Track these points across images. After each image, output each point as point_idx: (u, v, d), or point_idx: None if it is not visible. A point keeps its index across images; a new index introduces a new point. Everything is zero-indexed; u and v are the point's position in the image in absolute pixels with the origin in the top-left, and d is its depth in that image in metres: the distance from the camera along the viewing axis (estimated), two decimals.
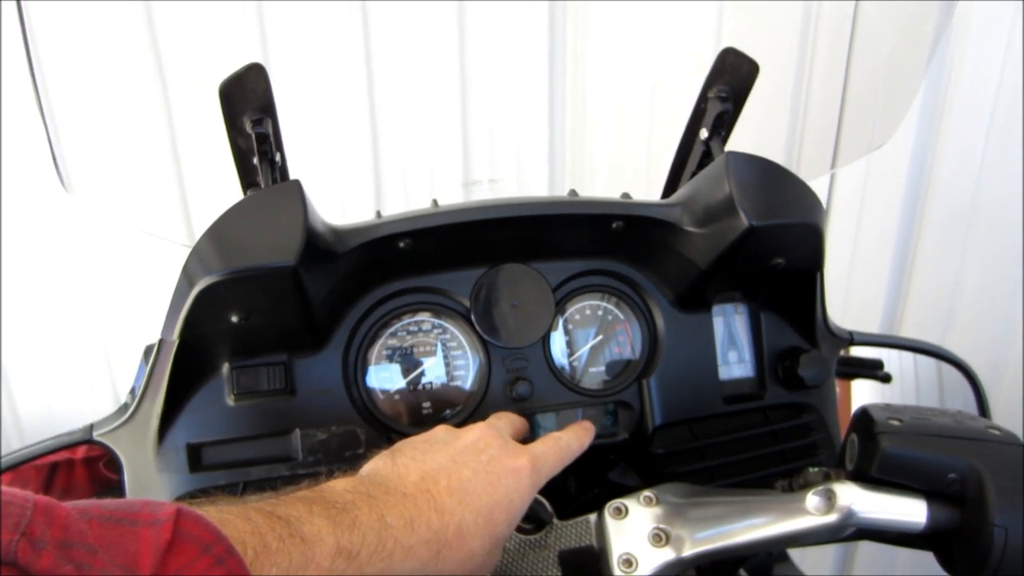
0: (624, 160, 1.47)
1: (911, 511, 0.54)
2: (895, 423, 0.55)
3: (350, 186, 1.34)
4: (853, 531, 0.58)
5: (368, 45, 1.32)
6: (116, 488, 0.73)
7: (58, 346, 1.79)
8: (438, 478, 0.54)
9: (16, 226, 1.48)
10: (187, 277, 0.62)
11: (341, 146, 1.33)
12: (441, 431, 0.62)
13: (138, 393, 0.71)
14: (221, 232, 0.61)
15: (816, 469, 0.60)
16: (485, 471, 0.56)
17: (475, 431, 0.60)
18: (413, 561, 0.48)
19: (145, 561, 0.35)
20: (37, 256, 1.57)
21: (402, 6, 1.31)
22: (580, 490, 0.84)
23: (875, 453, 0.54)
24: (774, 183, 0.72)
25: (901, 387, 1.08)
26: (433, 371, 0.77)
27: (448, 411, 0.77)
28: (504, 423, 0.67)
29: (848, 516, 0.55)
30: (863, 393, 1.15)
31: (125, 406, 0.73)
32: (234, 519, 0.41)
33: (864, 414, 0.58)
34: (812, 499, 0.57)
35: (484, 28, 1.35)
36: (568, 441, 0.65)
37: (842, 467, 0.60)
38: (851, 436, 0.59)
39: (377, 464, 0.57)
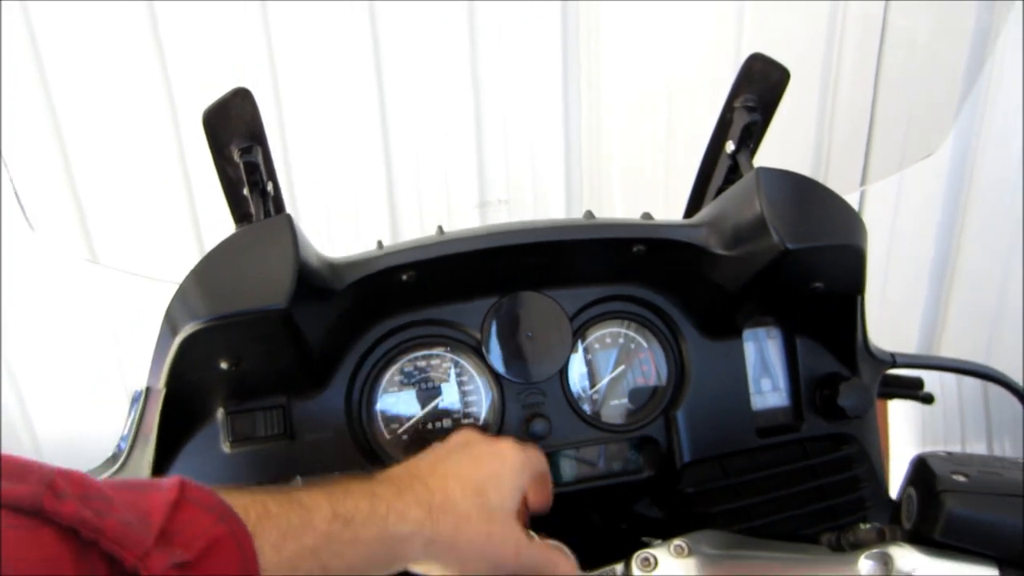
0: (642, 175, 1.41)
1: None
2: (960, 479, 0.49)
3: (361, 206, 1.29)
4: None
5: (380, 69, 1.27)
6: None
7: (80, 371, 1.79)
8: (420, 466, 0.56)
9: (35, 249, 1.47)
10: (170, 323, 0.57)
11: (352, 164, 1.28)
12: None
13: (127, 442, 0.66)
14: (205, 273, 0.56)
15: (868, 526, 0.54)
16: (467, 456, 0.57)
17: (458, 434, 0.60)
18: (408, 523, 0.49)
19: (156, 515, 0.38)
20: (58, 279, 1.56)
21: (414, 21, 1.25)
22: (604, 524, 0.79)
23: (938, 513, 0.49)
24: (810, 201, 0.66)
25: (943, 407, 1.01)
26: (443, 409, 0.72)
27: None
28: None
29: None
30: (900, 412, 1.08)
31: (115, 456, 0.68)
32: (236, 492, 0.44)
33: (923, 466, 0.52)
34: (865, 563, 0.51)
35: (497, 42, 1.29)
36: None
37: (897, 524, 0.54)
38: (908, 490, 0.53)
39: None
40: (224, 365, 0.58)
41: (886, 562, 0.50)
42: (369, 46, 1.27)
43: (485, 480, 0.55)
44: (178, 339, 0.56)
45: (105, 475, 0.68)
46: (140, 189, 1.22)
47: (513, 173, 1.36)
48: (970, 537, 0.48)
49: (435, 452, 0.58)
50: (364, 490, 0.49)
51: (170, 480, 0.40)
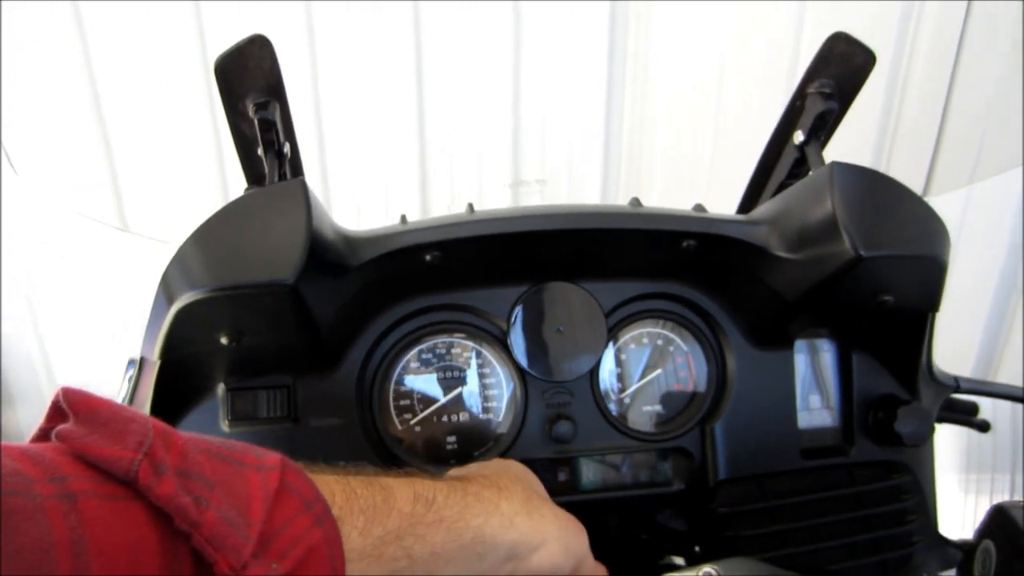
0: (687, 162, 1.32)
1: None
2: None
3: (391, 177, 1.23)
4: None
5: (419, 39, 1.20)
6: None
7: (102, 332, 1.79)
8: (466, 471, 0.54)
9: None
10: (166, 290, 0.52)
11: (385, 133, 1.21)
12: None
13: None
14: (207, 239, 0.50)
15: None
16: (486, 467, 0.55)
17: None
18: (485, 501, 0.48)
19: (256, 507, 0.35)
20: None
21: None
22: (622, 531, 0.73)
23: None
24: (890, 204, 0.58)
25: (993, 436, 0.93)
26: (460, 402, 0.66)
27: (476, 451, 0.66)
28: None
29: None
30: (946, 437, 1.00)
31: None
32: (324, 472, 0.42)
33: (1003, 517, 0.45)
34: None
35: (542, 17, 1.20)
36: None
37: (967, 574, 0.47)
38: (984, 543, 0.46)
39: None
40: (224, 340, 0.53)
41: None
42: (410, 17, 1.21)
43: (518, 478, 0.54)
44: (174, 309, 0.50)
45: None
46: (171, 155, 1.18)
47: (549, 153, 1.28)
48: None
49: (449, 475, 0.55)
50: (435, 478, 0.48)
51: (271, 458, 0.38)
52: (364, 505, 0.41)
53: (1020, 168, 1.20)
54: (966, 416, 0.89)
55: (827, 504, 0.69)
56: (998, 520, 0.46)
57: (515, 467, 0.56)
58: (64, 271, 2.13)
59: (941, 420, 0.89)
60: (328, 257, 0.53)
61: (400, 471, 0.49)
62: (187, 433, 0.37)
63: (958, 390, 0.76)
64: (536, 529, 0.49)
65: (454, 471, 0.54)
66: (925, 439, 0.68)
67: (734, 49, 1.19)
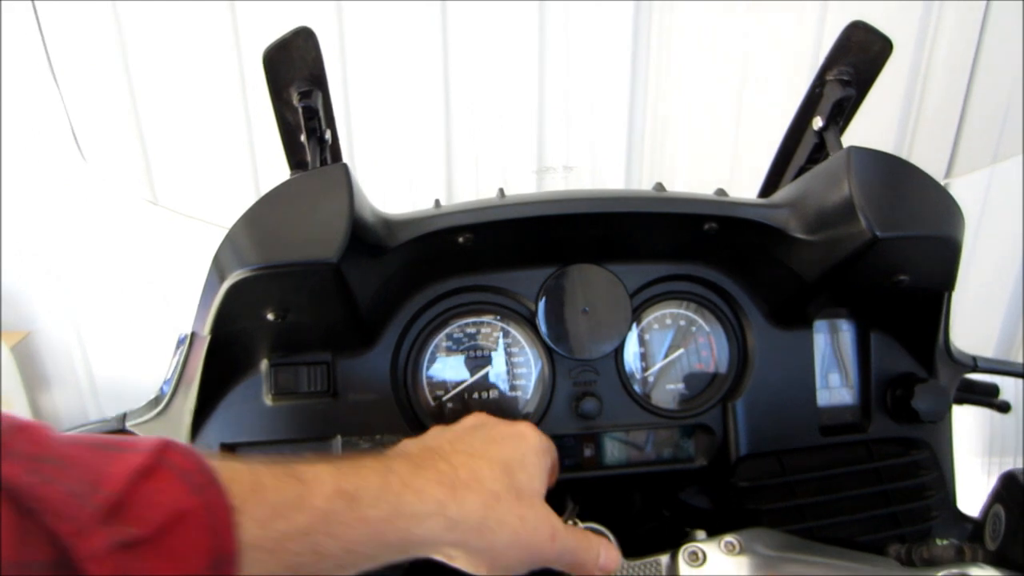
0: (709, 149, 1.34)
1: None
2: None
3: (418, 164, 1.26)
4: None
5: (446, 26, 1.23)
6: None
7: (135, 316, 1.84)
8: (439, 442, 0.52)
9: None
10: (218, 268, 0.55)
11: (412, 120, 1.25)
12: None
13: (170, 386, 0.65)
14: (257, 220, 0.54)
15: (946, 543, 0.50)
16: (488, 435, 0.53)
17: (473, 416, 0.57)
18: (428, 502, 0.44)
19: (112, 479, 0.34)
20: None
21: None
22: (645, 508, 0.76)
23: None
24: (905, 186, 0.60)
25: (1016, 416, 0.94)
26: (490, 380, 0.69)
27: None
28: None
29: None
30: (966, 419, 1.01)
31: (158, 398, 0.67)
32: (233, 461, 0.41)
33: (1013, 483, 0.47)
34: None
35: (565, 7, 1.23)
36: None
37: (979, 544, 0.49)
38: (995, 508, 0.48)
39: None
40: (271, 316, 0.56)
41: None
42: (438, 10, 1.23)
43: (511, 460, 0.50)
44: (225, 285, 0.54)
45: (146, 418, 0.67)
46: (203, 134, 1.22)
47: (574, 140, 1.30)
48: None
49: (451, 430, 0.54)
50: (377, 466, 0.45)
51: (152, 442, 0.37)
52: (272, 498, 0.39)
53: None
54: (987, 398, 0.91)
55: (846, 479, 0.71)
56: (1008, 485, 0.48)
57: (512, 444, 0.52)
58: (99, 257, 2.20)
59: (962, 401, 0.90)
60: (368, 238, 0.56)
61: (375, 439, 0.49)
62: (74, 432, 0.37)
63: (975, 369, 0.77)
64: (484, 538, 0.46)
65: (410, 443, 0.52)
66: (942, 416, 0.70)
67: (757, 38, 1.21)
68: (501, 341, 0.70)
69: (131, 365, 2.41)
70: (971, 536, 0.50)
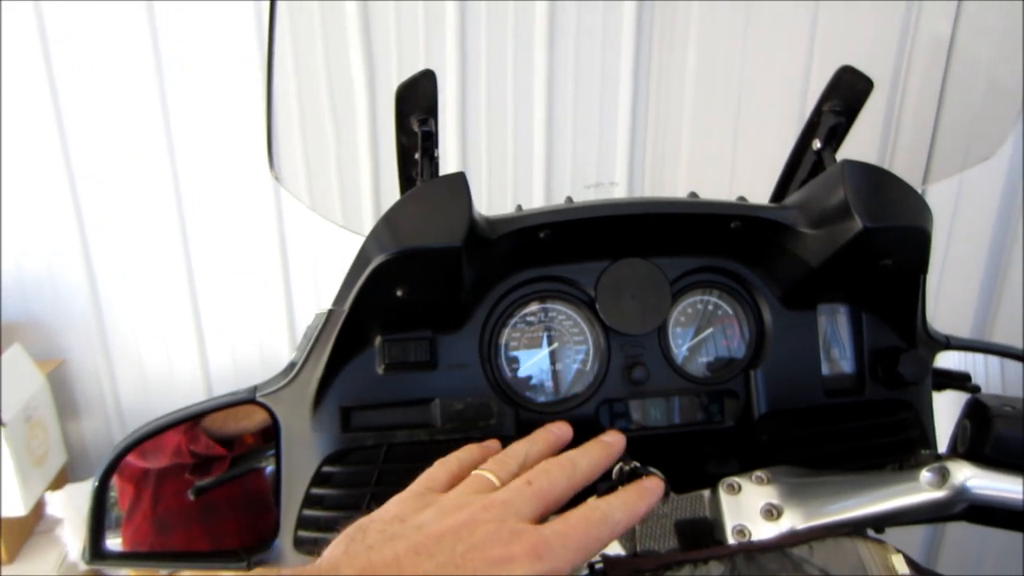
0: (706, 174, 1.54)
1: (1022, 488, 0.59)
2: (1008, 409, 0.61)
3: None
4: (963, 508, 0.63)
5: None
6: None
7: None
8: (398, 555, 0.45)
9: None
10: (364, 255, 0.71)
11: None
12: (443, 500, 0.52)
13: (302, 358, 0.79)
14: (397, 216, 0.70)
15: (928, 451, 0.65)
16: (455, 564, 0.44)
17: (473, 508, 0.49)
18: None
19: None
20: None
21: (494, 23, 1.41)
22: (684, 461, 0.89)
23: (989, 434, 0.60)
24: (887, 189, 0.78)
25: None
26: (558, 353, 0.84)
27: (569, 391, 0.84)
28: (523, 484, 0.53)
29: (960, 492, 0.60)
30: (946, 409, 1.18)
31: (286, 370, 0.82)
32: None
33: (977, 402, 0.63)
34: (926, 475, 0.62)
35: (571, 42, 1.43)
36: (608, 512, 0.52)
37: (954, 453, 0.65)
38: (963, 423, 0.64)
39: (332, 551, 0.49)
40: (400, 293, 0.72)
41: (943, 474, 0.61)
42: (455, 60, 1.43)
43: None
44: (371, 267, 0.69)
45: (276, 387, 0.81)
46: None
47: (579, 167, 1.50)
48: (1016, 453, 0.59)
49: (421, 536, 0.46)
50: None
51: None
52: None
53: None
54: (961, 383, 1.08)
55: (847, 433, 0.87)
56: (973, 405, 0.63)
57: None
58: (127, 284, 2.33)
59: (941, 387, 1.07)
60: (478, 231, 0.72)
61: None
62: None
63: (948, 346, 0.94)
64: None
65: (396, 522, 0.48)
66: (923, 377, 0.86)
67: (752, 70, 1.42)
68: (566, 322, 0.85)
69: (157, 392, 2.52)
70: (948, 449, 0.66)
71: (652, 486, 0.58)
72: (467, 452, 0.62)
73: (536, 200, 1.71)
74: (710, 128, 1.54)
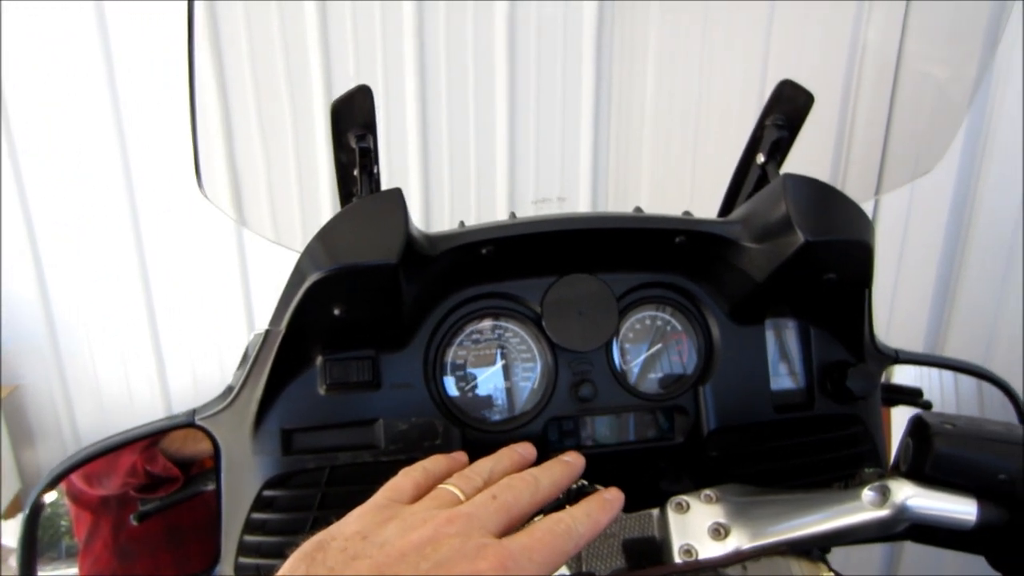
0: (669, 185, 1.55)
1: (962, 508, 0.59)
2: (948, 427, 0.60)
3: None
4: (905, 527, 0.62)
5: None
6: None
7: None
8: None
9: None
10: (299, 273, 0.69)
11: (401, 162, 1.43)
12: (406, 514, 0.51)
13: (240, 380, 0.77)
14: (332, 233, 0.68)
15: (872, 470, 0.65)
16: (437, 563, 0.45)
17: (437, 522, 0.49)
18: None
19: None
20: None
21: (454, 31, 1.41)
22: (634, 478, 0.88)
23: (929, 453, 0.59)
24: (828, 203, 0.77)
25: (941, 409, 1.11)
26: (505, 371, 0.83)
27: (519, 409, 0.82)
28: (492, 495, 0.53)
29: (901, 511, 0.59)
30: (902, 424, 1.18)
31: (225, 393, 0.79)
32: None
33: (919, 420, 0.63)
34: (868, 494, 0.61)
35: (535, 59, 1.44)
36: (572, 525, 0.52)
37: (897, 471, 0.64)
38: (906, 440, 0.64)
39: (290, 571, 0.47)
40: (337, 311, 0.70)
41: (884, 493, 0.60)
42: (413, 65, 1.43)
43: None
44: (305, 285, 0.67)
45: (215, 410, 0.79)
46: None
47: (543, 177, 1.50)
48: (954, 472, 0.58)
49: (384, 555, 0.46)
50: None
51: None
52: None
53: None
54: (912, 398, 1.08)
55: (796, 449, 0.86)
56: (916, 423, 0.63)
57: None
58: (83, 307, 2.28)
59: (893, 403, 1.07)
60: (416, 248, 0.70)
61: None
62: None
63: (897, 360, 0.94)
64: None
65: (357, 537, 0.47)
66: (871, 392, 0.85)
67: (709, 86, 1.43)
68: (512, 340, 0.84)
69: (115, 416, 2.45)
70: (892, 468, 0.66)
71: (613, 497, 0.58)
72: (433, 462, 0.61)
73: (500, 215, 1.71)
74: (671, 142, 1.55)
